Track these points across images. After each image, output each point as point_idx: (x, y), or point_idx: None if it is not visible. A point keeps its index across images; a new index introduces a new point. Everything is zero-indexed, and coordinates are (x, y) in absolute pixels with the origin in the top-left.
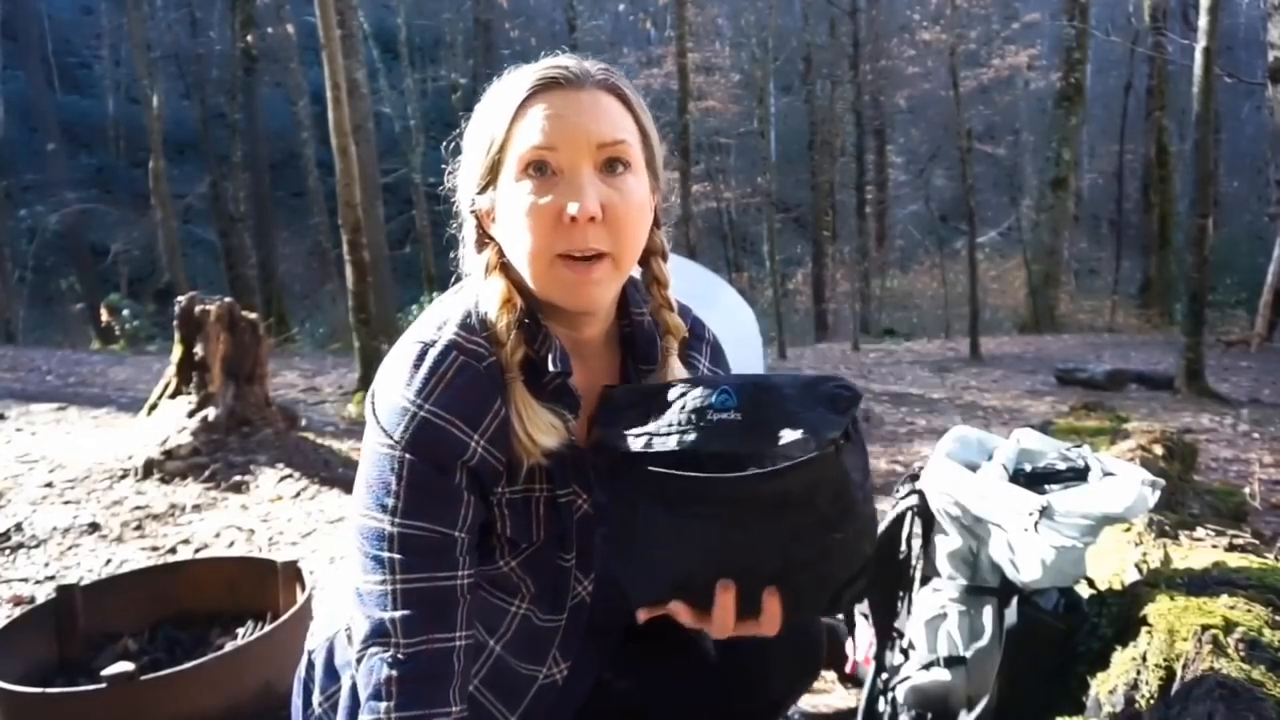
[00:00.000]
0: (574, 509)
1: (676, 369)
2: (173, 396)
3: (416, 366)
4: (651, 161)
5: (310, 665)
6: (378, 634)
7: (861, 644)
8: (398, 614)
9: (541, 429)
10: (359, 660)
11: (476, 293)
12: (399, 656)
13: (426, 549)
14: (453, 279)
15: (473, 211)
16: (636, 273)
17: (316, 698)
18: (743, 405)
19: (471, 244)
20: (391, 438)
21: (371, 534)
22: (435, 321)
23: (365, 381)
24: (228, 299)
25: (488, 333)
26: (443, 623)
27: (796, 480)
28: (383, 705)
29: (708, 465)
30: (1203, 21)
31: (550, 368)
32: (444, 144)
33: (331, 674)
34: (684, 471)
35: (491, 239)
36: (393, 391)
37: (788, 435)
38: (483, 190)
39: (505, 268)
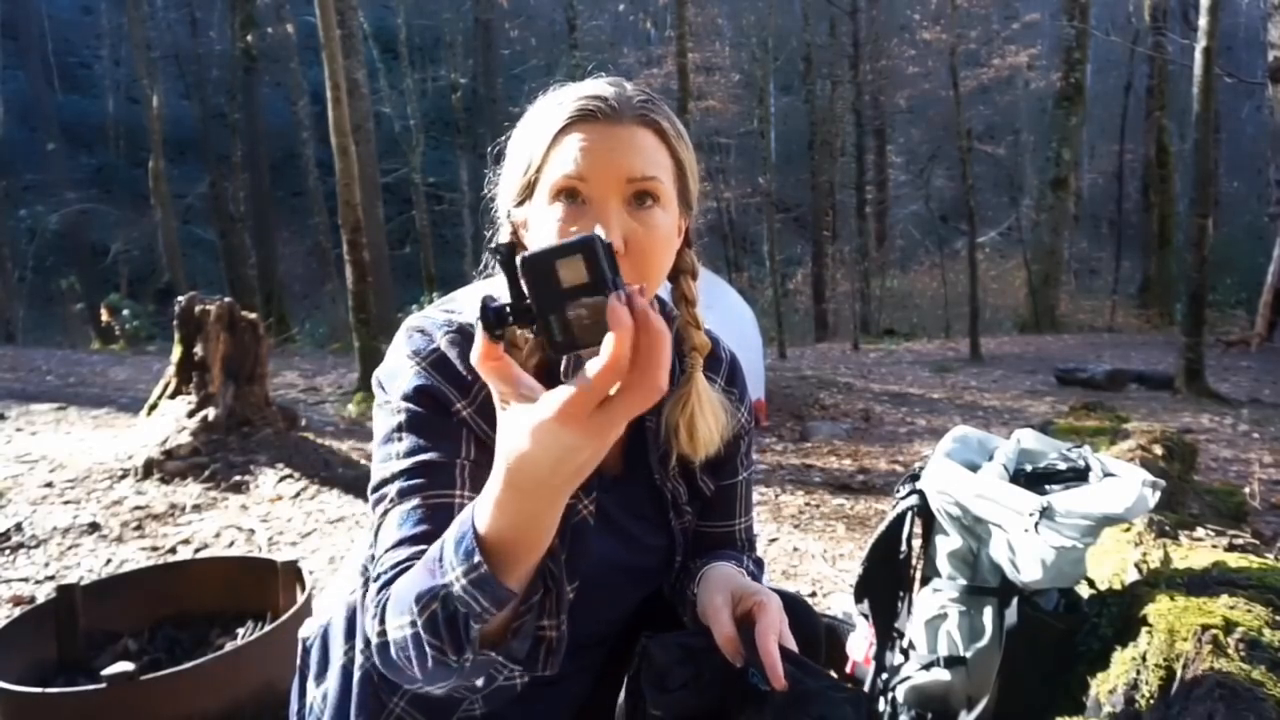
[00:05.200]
0: (572, 512)
1: (702, 385)
2: (173, 396)
3: (417, 334)
4: (685, 192)
5: (305, 653)
6: (389, 559)
7: (861, 644)
8: (410, 531)
9: None
10: (365, 600)
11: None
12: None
13: (430, 470)
14: (477, 277)
15: (510, 221)
16: (665, 291)
17: (311, 685)
18: None
19: None
20: (389, 393)
21: (383, 479)
22: (446, 304)
23: (365, 381)
24: (228, 299)
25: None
26: None
27: None
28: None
29: None
30: (1203, 21)
31: (563, 374)
32: (488, 150)
33: (325, 661)
34: None
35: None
36: (394, 356)
37: None
38: (519, 204)
39: None
